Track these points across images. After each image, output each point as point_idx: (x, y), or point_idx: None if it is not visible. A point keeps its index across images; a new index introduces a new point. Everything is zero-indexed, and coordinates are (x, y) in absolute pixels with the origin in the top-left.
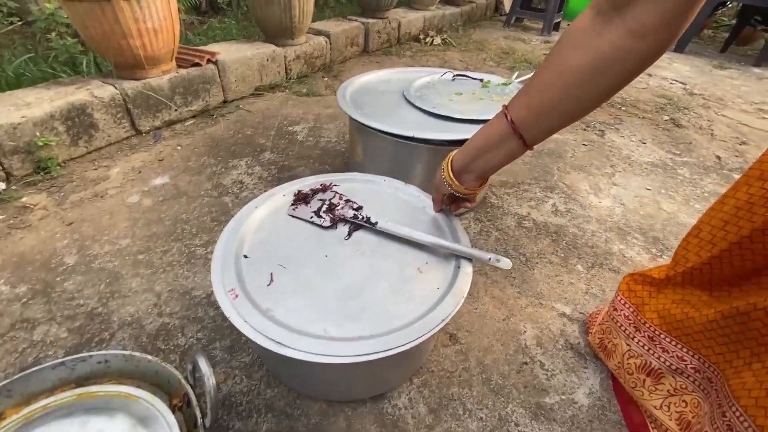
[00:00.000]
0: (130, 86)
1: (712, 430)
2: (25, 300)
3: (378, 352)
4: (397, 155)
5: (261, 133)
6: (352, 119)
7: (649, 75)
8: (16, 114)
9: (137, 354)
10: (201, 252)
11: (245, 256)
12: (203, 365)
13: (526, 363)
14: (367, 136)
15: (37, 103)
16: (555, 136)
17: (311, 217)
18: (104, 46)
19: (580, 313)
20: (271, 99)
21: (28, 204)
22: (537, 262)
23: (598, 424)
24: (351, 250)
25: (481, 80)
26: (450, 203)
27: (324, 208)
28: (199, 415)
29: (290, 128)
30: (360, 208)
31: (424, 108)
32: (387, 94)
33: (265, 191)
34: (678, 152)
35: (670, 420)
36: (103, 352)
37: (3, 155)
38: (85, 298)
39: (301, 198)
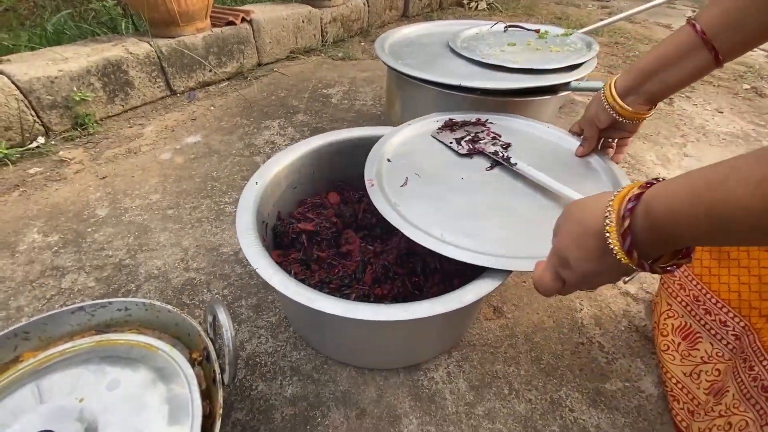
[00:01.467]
0: (164, 43)
1: (735, 384)
2: (56, 248)
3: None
4: (440, 109)
5: (295, 95)
6: (390, 70)
7: None
8: (54, 68)
9: (157, 303)
10: (230, 209)
11: (388, 160)
12: (222, 316)
13: (582, 343)
14: (408, 89)
15: (75, 58)
16: None
17: (450, 143)
18: (138, 3)
19: (647, 292)
20: (306, 62)
21: (64, 158)
22: None
23: (668, 417)
24: (486, 180)
25: (537, 31)
26: (603, 140)
27: (467, 138)
28: (218, 370)
29: (324, 91)
30: (507, 146)
31: (472, 58)
32: (430, 46)
33: None
34: (763, 123)
35: (698, 389)
36: (123, 299)
37: (41, 109)
38: (114, 249)
39: (449, 125)
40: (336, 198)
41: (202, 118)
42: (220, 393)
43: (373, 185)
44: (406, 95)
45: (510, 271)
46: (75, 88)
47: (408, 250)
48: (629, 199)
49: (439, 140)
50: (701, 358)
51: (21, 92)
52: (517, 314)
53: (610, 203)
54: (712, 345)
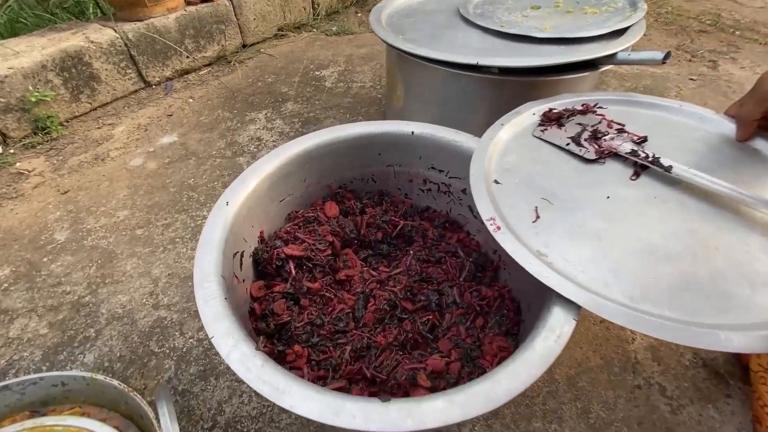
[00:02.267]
0: (131, 28)
1: None
2: (6, 286)
3: None
4: (450, 94)
5: (283, 80)
6: (390, 48)
7: None
8: (3, 65)
9: (100, 378)
10: None
11: (496, 182)
12: (164, 419)
13: (639, 387)
14: (411, 70)
15: (27, 52)
16: (653, 69)
17: (567, 144)
18: None
19: None
20: (296, 41)
21: (23, 170)
22: None
23: None
24: (643, 196)
25: None
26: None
27: (586, 135)
28: None
29: (317, 73)
30: (643, 141)
31: (488, 27)
32: (436, 14)
33: None
34: None
35: None
36: (57, 373)
37: None
38: (73, 284)
39: (553, 119)
40: (334, 210)
41: (179, 112)
42: None
43: (499, 228)
44: (409, 77)
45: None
46: (30, 87)
47: (421, 274)
48: None
49: (547, 141)
50: None
51: None
52: None
53: None
54: None
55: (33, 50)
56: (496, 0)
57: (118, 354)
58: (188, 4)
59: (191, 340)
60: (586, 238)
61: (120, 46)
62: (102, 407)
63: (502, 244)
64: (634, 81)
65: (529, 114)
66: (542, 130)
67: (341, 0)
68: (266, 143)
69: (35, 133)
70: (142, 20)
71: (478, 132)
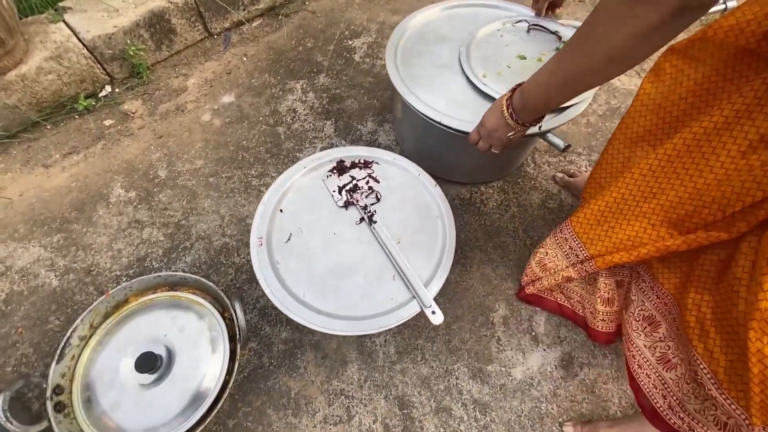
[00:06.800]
0: None
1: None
2: (135, 204)
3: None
4: (427, 134)
5: (320, 47)
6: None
7: None
8: (109, 23)
9: (202, 280)
10: (255, 183)
11: (281, 211)
12: (238, 312)
13: (485, 336)
14: (403, 104)
15: (125, 10)
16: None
17: (333, 191)
18: None
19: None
20: None
21: (128, 111)
22: None
23: (520, 395)
24: (353, 236)
25: (558, 35)
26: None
27: (348, 187)
28: (238, 331)
29: (350, 42)
30: (377, 201)
31: (470, 77)
32: (445, 45)
33: (313, 124)
34: None
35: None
36: (182, 274)
37: (104, 62)
38: (174, 210)
39: (340, 169)
40: None
41: (236, 71)
42: (238, 346)
43: (261, 244)
44: (402, 107)
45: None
46: (128, 41)
47: None
48: (513, 87)
49: (326, 186)
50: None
51: (87, 50)
52: (447, 306)
53: (507, 91)
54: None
55: (128, 8)
56: (496, 37)
57: (204, 260)
58: None
59: (243, 259)
60: (305, 258)
61: (191, 4)
62: (203, 291)
63: (255, 257)
64: (605, 105)
65: (327, 161)
66: (328, 176)
67: None
68: (299, 116)
69: (132, 76)
70: None
71: (463, 170)
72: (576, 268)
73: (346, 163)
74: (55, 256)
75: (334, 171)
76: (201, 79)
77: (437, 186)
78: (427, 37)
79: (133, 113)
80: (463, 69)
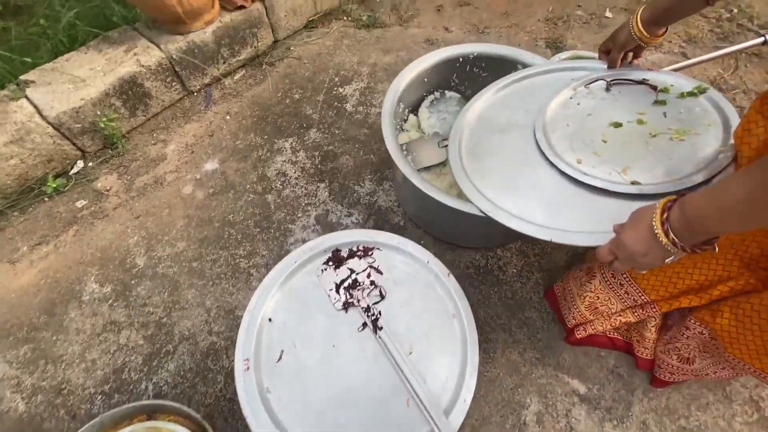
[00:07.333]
0: (175, 47)
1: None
2: (110, 301)
3: None
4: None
5: (309, 98)
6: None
7: None
8: (76, 96)
9: (184, 407)
10: (244, 265)
11: (269, 320)
12: None
13: None
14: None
15: (92, 79)
16: None
17: (330, 290)
18: (141, 4)
19: (596, 393)
20: (325, 37)
21: (103, 189)
22: None
23: None
24: (356, 348)
25: (654, 88)
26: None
27: (346, 283)
28: None
29: (340, 91)
30: (381, 298)
31: (560, 167)
32: (514, 133)
33: (305, 188)
34: None
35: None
36: (161, 401)
37: (73, 137)
38: (154, 305)
39: (336, 260)
40: None
41: (219, 132)
42: None
43: (248, 368)
44: (448, 216)
45: None
46: (98, 112)
47: None
48: (668, 201)
49: (321, 284)
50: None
51: (53, 127)
52: (471, 405)
53: (657, 204)
54: None
55: (96, 77)
56: (570, 108)
57: (188, 366)
58: (223, 8)
59: (233, 363)
60: (300, 383)
61: (166, 65)
62: (183, 417)
63: (240, 385)
64: None
65: (321, 251)
66: (323, 270)
67: None
68: (290, 179)
69: (106, 147)
70: (183, 34)
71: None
72: (635, 313)
73: (342, 253)
74: (21, 373)
75: (330, 263)
76: (181, 145)
77: (451, 275)
78: (490, 131)
79: (107, 191)
80: (547, 158)
